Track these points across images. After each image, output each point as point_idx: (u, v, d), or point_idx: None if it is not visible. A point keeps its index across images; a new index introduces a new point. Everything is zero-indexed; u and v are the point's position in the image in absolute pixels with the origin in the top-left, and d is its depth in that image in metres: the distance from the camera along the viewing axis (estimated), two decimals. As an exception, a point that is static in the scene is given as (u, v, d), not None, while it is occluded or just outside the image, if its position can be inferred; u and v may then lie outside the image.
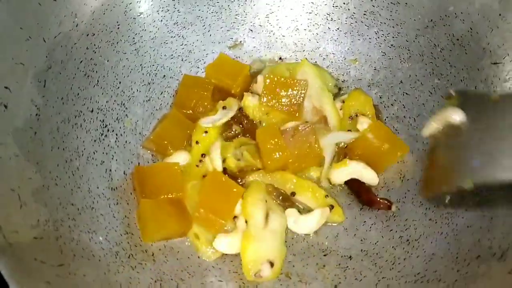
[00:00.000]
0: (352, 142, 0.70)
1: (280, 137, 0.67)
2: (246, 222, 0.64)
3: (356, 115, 0.72)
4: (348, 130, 0.71)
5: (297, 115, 0.72)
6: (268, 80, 0.71)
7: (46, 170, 0.58)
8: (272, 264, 0.62)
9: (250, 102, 0.72)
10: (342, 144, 0.71)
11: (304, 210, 0.68)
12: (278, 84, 0.71)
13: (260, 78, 0.73)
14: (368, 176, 0.68)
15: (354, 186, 0.70)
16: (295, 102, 0.71)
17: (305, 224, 0.66)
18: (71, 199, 0.59)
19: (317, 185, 0.68)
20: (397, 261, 0.63)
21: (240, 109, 0.72)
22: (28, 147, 0.57)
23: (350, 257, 0.65)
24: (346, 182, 0.70)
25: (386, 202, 0.68)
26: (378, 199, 0.68)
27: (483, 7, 0.66)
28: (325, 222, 0.67)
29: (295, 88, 0.71)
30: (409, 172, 0.70)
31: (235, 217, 0.65)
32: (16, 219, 0.51)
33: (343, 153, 0.71)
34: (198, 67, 0.78)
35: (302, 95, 0.72)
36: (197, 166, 0.69)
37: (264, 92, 0.72)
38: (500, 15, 0.65)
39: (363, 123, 0.70)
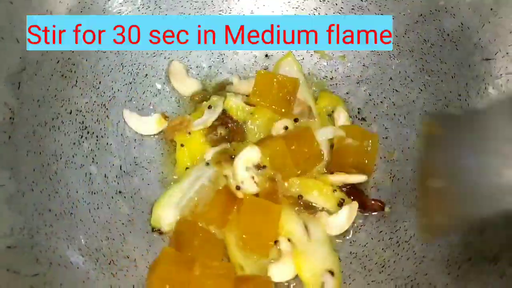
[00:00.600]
0: (336, 154, 0.69)
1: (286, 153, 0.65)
2: (289, 241, 0.62)
3: (332, 112, 0.72)
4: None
5: (283, 110, 0.69)
6: (259, 77, 0.70)
7: (21, 176, 0.56)
8: (332, 273, 0.60)
9: (233, 103, 0.69)
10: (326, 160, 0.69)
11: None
12: (270, 80, 0.69)
13: (235, 79, 0.71)
14: (355, 179, 0.67)
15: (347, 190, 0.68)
16: (287, 98, 0.69)
17: (336, 225, 0.64)
18: (48, 205, 0.57)
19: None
20: (386, 264, 0.61)
21: (224, 111, 0.70)
22: (2, 152, 0.54)
23: (339, 259, 0.63)
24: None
25: (379, 203, 0.66)
26: (372, 201, 0.67)
27: (474, 2, 0.64)
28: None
29: (287, 85, 0.69)
30: (399, 171, 0.68)
31: (276, 242, 0.62)
32: (-13, 229, 0.49)
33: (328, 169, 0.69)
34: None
35: (294, 92, 0.70)
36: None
37: (255, 88, 0.69)
38: (491, 9, 0.63)
39: (341, 117, 0.70)
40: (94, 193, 0.63)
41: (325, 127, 0.70)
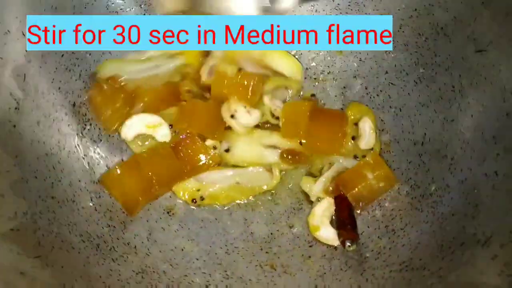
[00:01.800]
0: (348, 179, 0.67)
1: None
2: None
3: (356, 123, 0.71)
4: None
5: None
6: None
7: (25, 163, 0.58)
8: None
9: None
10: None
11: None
12: None
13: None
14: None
15: (338, 202, 0.67)
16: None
17: None
18: (51, 192, 0.59)
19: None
20: (382, 251, 0.62)
21: None
22: (7, 140, 0.57)
23: (336, 247, 0.64)
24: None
25: (350, 236, 0.62)
26: (348, 229, 0.63)
27: (467, -5, 0.66)
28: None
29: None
30: (395, 162, 0.70)
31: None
32: (-8, 211, 0.51)
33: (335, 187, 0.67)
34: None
35: None
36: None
37: None
38: (483, 3, 0.65)
39: (366, 127, 0.70)
40: (96, 183, 0.64)
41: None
